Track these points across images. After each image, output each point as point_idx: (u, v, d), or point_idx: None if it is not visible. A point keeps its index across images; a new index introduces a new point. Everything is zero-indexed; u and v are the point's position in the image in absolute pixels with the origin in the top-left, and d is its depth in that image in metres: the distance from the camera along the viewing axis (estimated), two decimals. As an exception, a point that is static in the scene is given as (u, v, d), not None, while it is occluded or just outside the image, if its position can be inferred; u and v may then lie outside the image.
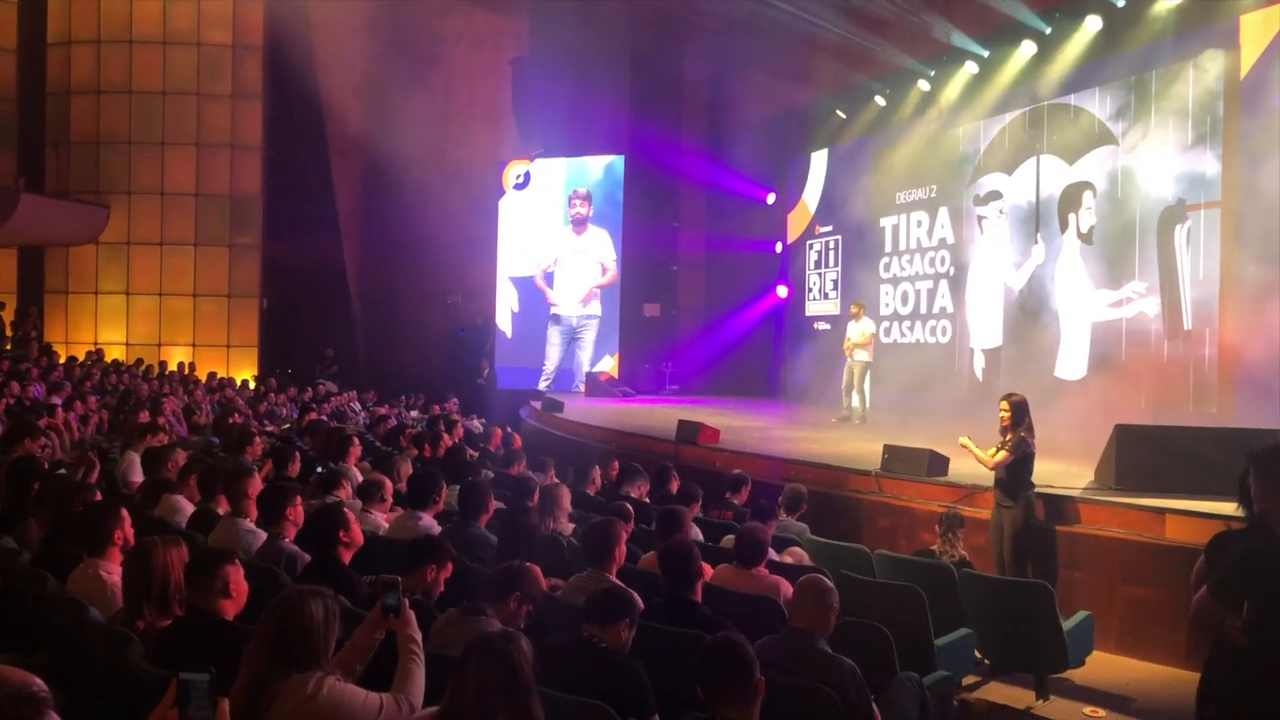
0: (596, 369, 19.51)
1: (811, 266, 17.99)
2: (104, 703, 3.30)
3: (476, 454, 10.09)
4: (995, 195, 13.78)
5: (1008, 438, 6.71)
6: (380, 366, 21.93)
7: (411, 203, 19.77)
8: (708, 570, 4.63)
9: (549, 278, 20.59)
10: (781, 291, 18.82)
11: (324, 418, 13.29)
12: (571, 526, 6.03)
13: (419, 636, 3.04)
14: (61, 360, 18.96)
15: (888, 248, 15.85)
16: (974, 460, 6.88)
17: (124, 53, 21.99)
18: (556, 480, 7.54)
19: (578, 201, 20.29)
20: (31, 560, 4.36)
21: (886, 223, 15.87)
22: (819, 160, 17.79)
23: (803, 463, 9.14)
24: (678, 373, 19.60)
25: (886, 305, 15.69)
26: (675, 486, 7.57)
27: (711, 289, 20.47)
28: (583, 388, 19.11)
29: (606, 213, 20.20)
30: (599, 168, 20.39)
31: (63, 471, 6.29)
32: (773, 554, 5.39)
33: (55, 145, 22.30)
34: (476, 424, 14.67)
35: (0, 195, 19.98)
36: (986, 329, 13.79)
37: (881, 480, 8.21)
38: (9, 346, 20.06)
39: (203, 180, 22.14)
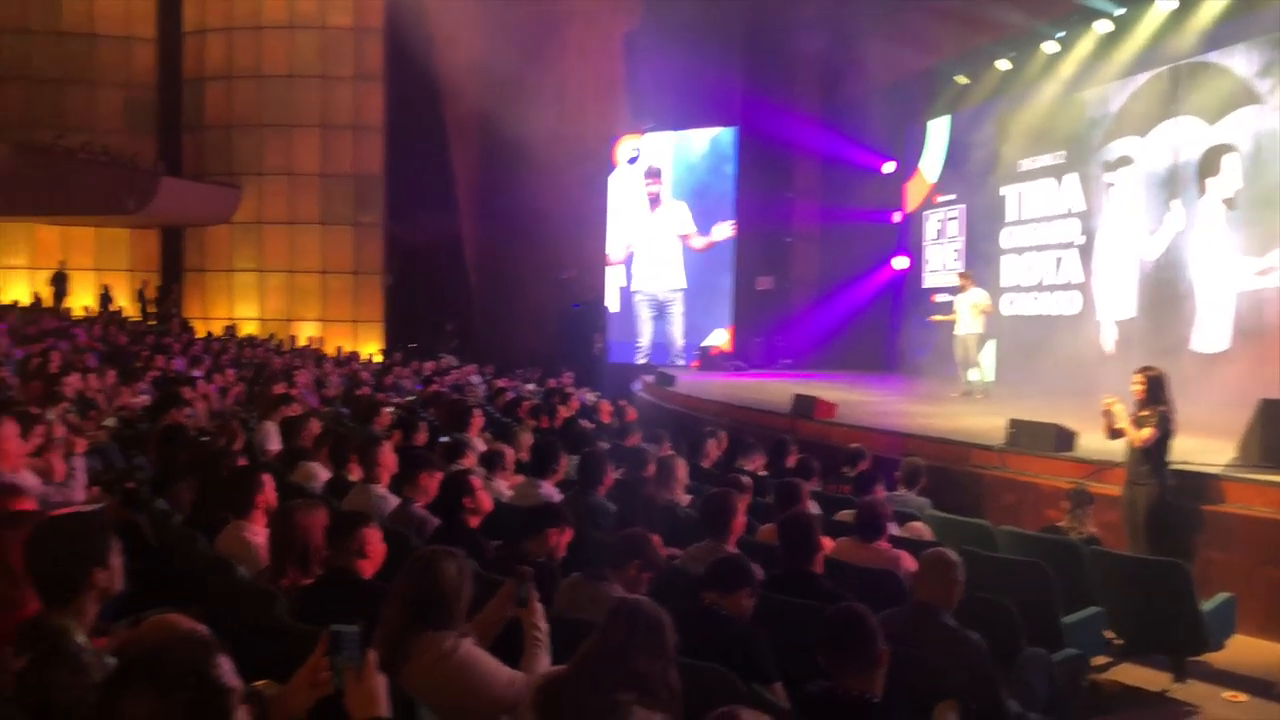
0: (708, 343, 19.55)
1: (931, 237, 17.55)
2: (251, 655, 3.49)
3: (592, 426, 10.23)
4: (1126, 160, 13.17)
5: (1144, 413, 6.44)
6: (497, 341, 22.38)
7: (527, 180, 20.04)
8: (827, 543, 4.60)
9: (631, 256, 21.02)
10: (899, 263, 18.43)
11: (445, 390, 13.67)
12: (688, 498, 6.07)
13: (545, 627, 3.10)
14: (200, 335, 19.98)
15: (1010, 216, 15.32)
16: (1106, 433, 6.63)
17: (253, 39, 22.88)
18: (672, 452, 7.59)
19: (650, 180, 20.59)
20: (183, 522, 4.63)
21: (1009, 191, 15.35)
22: (938, 127, 17.30)
23: (922, 437, 8.97)
24: (791, 346, 19.41)
25: (1009, 276, 15.20)
26: (793, 460, 7.53)
27: (826, 261, 20.17)
28: (680, 361, 19.31)
29: (712, 185, 20.22)
30: (706, 140, 20.39)
31: (206, 439, 6.65)
32: (893, 528, 5.33)
33: (191, 130, 23.40)
34: (590, 397, 14.87)
35: (142, 178, 21.15)
36: (1118, 299, 13.22)
37: (1005, 455, 7.99)
38: (153, 322, 21.24)
39: (328, 161, 22.94)
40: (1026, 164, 14.95)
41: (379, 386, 14.56)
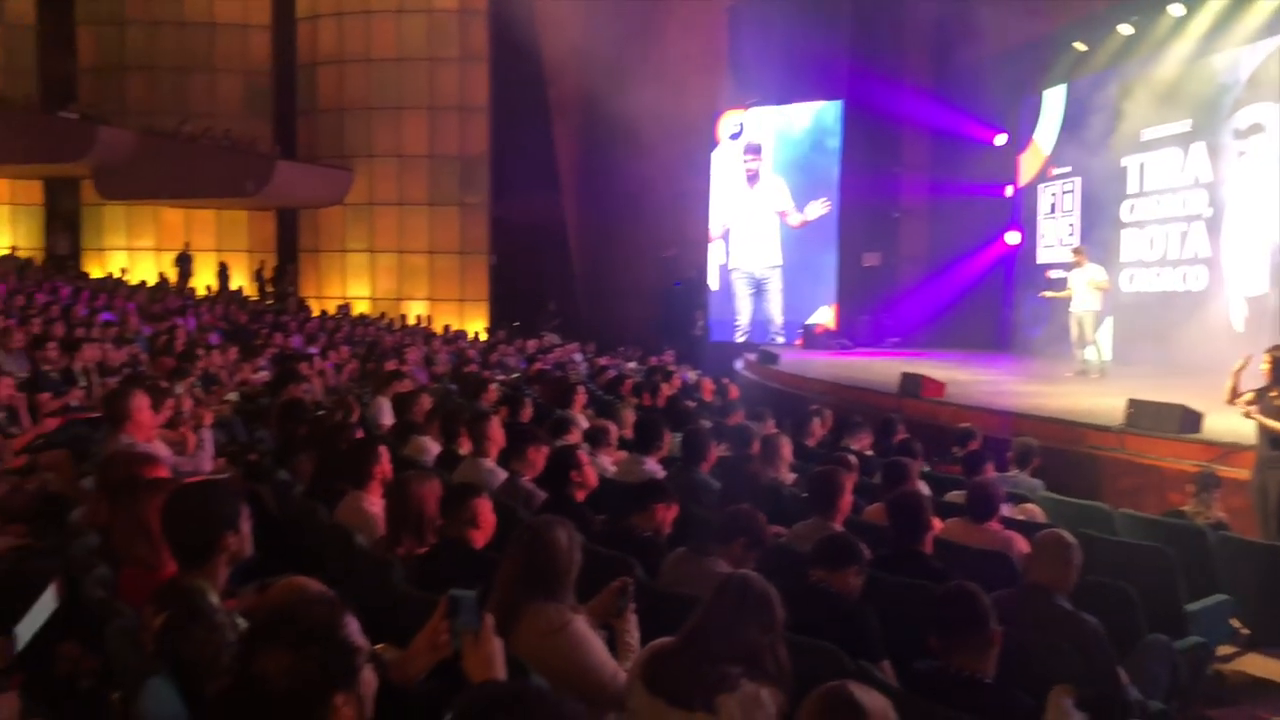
0: (811, 321, 19.33)
1: (1045, 211, 16.96)
2: (369, 620, 3.62)
3: (694, 404, 10.24)
4: (1258, 128, 12.46)
5: (1274, 393, 6.13)
6: (599, 319, 22.53)
7: (629, 158, 20.05)
8: (936, 524, 4.53)
9: (728, 233, 20.93)
10: (1012, 238, 17.87)
11: (548, 368, 13.86)
12: (793, 476, 6.04)
13: (636, 638, 3.08)
14: (315, 314, 20.67)
15: (1132, 189, 14.69)
16: (1233, 415, 6.34)
17: (362, 23, 23.41)
18: (776, 430, 7.55)
19: (749, 156, 20.41)
20: (304, 492, 4.81)
21: (1130, 162, 14.70)
22: (1054, 97, 16.67)
23: (1034, 417, 8.71)
24: (899, 324, 19.04)
25: (1129, 251, 14.58)
26: (900, 439, 7.40)
27: (935, 236, 19.67)
28: (780, 339, 19.17)
29: (816, 161, 19.93)
30: (808, 115, 20.10)
31: (323, 414, 6.90)
32: (1005, 510, 5.20)
33: (305, 114, 24.13)
34: (691, 375, 14.86)
35: (260, 162, 21.92)
36: (1249, 275, 12.56)
37: (1124, 436, 7.70)
38: (270, 301, 22.06)
39: (435, 142, 23.37)
40: (1149, 133, 14.29)
41: (485, 364, 14.85)
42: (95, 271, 22.32)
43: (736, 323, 20.72)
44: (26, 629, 2.98)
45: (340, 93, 23.69)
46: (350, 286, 24.08)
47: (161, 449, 4.97)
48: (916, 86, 18.75)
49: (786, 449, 6.06)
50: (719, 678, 2.44)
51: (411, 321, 21.54)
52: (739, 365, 16.59)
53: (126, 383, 6.77)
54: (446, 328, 20.88)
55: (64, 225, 24.24)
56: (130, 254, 23.77)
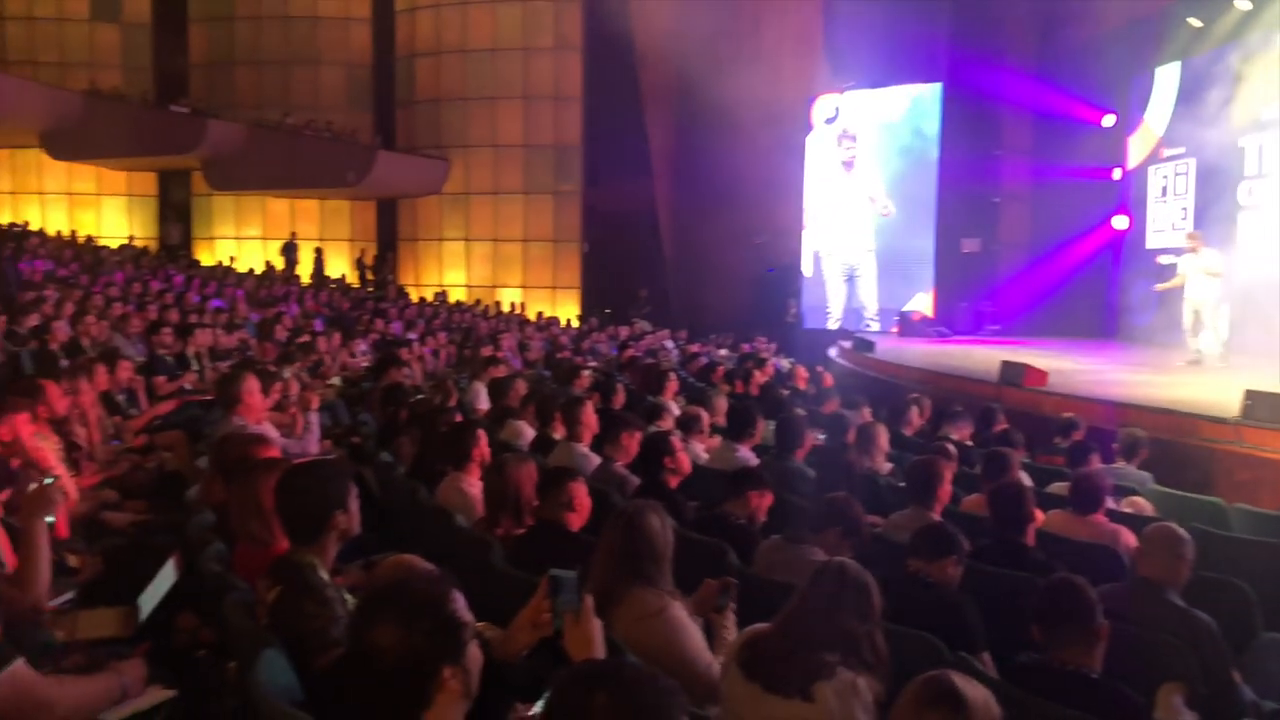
0: (908, 308, 18.99)
1: (1155, 194, 16.31)
2: (469, 598, 3.71)
3: (788, 391, 10.16)
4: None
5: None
6: (691, 306, 22.52)
7: (722, 144, 19.97)
8: (1038, 515, 4.42)
9: (821, 219, 20.81)
10: (1120, 222, 17.23)
11: (639, 355, 13.92)
12: (889, 466, 5.96)
13: (734, 634, 3.06)
14: (413, 301, 21.14)
15: (1250, 170, 14.01)
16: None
17: (459, 14, 23.77)
18: (872, 419, 7.45)
19: (846, 142, 20.13)
20: (405, 473, 4.94)
21: (1249, 142, 14.02)
22: (1167, 76, 15.99)
23: (1143, 407, 8.39)
24: (999, 312, 18.56)
25: (1248, 236, 13.93)
26: (1000, 429, 7.23)
27: (1038, 221, 19.10)
28: (874, 326, 18.89)
29: (913, 146, 19.57)
30: (906, 99, 19.71)
31: (423, 398, 7.06)
32: (1111, 502, 5.04)
33: (404, 105, 24.64)
34: (784, 363, 14.75)
35: (361, 153, 22.48)
36: (1376, 260, 11.89)
37: (1241, 429, 7.38)
38: (371, 289, 22.64)
39: (529, 131, 23.62)
40: (1269, 112, 13.61)
41: (577, 350, 14.99)
42: (205, 259, 23.22)
43: (829, 310, 20.51)
44: (149, 600, 3.12)
45: (437, 83, 24.12)
46: (446, 274, 24.55)
47: (271, 431, 5.15)
48: (1019, 67, 18.20)
49: (883, 438, 5.98)
50: (816, 665, 2.43)
51: (505, 308, 21.87)
52: (833, 353, 16.38)
53: (238, 367, 7.05)
54: (540, 314, 21.13)
55: (176, 215, 25.29)
56: (238, 243, 24.65)
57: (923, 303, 19.21)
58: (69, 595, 3.33)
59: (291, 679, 2.34)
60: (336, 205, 25.01)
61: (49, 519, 2.99)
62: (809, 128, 20.86)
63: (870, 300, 20.11)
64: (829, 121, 20.66)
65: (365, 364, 10.65)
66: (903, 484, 4.96)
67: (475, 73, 23.69)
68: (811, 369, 12.49)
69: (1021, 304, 18.33)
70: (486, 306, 21.38)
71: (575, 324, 20.81)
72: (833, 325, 19.91)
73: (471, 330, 15.71)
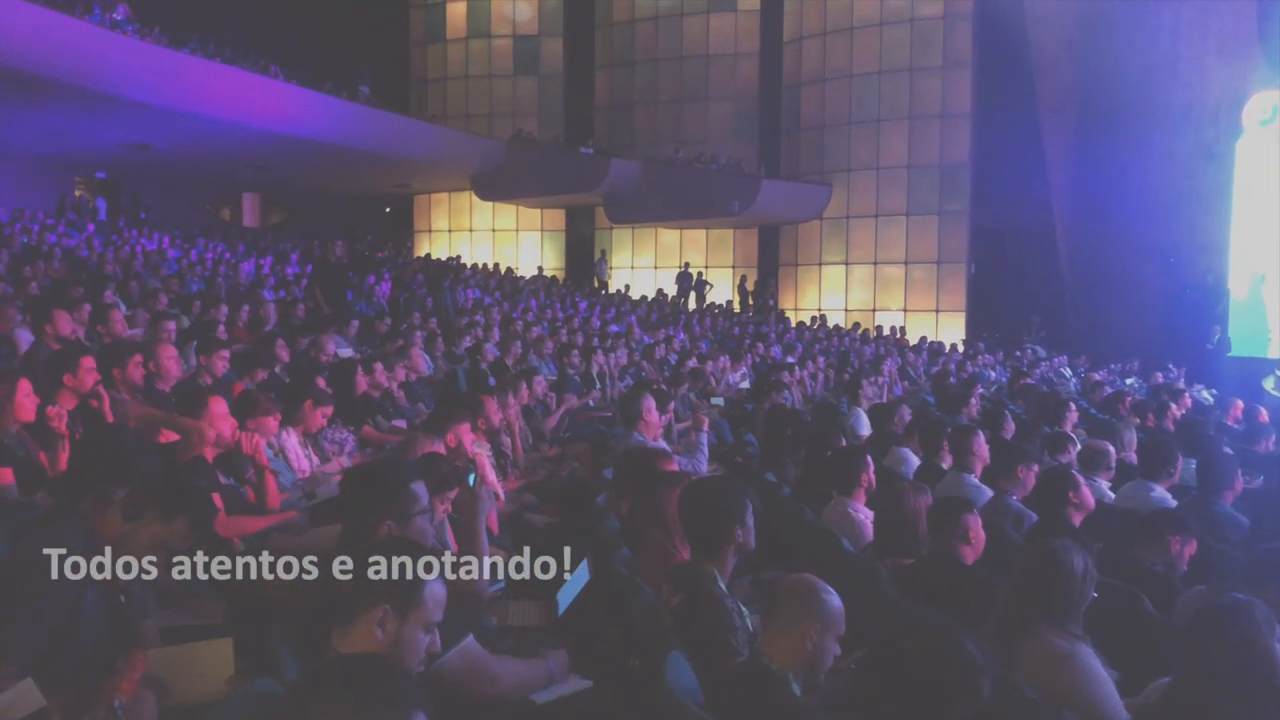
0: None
1: None
2: (854, 623, 3.69)
3: (1211, 427, 9.06)
4: None
5: None
6: (1091, 330, 20.82)
7: (1128, 153, 18.37)
8: None
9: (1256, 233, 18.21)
10: None
11: (1034, 382, 13.07)
12: (1343, 516, 5.12)
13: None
14: (793, 325, 21.46)
15: None
16: None
17: (845, 40, 23.88)
18: (1320, 462, 6.45)
19: None
20: (790, 494, 5.03)
21: None
22: None
23: None
24: None
25: None
26: None
27: None
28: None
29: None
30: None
31: (807, 421, 7.13)
32: None
33: (787, 133, 25.18)
34: (1205, 394, 13.16)
35: (747, 182, 23.27)
36: None
37: None
38: (752, 313, 23.31)
39: (914, 152, 23.15)
40: None
41: (962, 376, 14.37)
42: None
43: (1270, 336, 17.93)
44: (565, 596, 3.44)
45: (822, 110, 24.38)
46: (825, 298, 24.65)
47: (664, 446, 5.47)
48: None
49: (1335, 485, 5.17)
50: None
51: (885, 332, 21.52)
52: (1269, 384, 14.37)
53: (637, 387, 7.56)
54: (923, 338, 20.56)
55: (580, 248, 27.76)
56: (632, 271, 26.47)
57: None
58: (500, 585, 3.75)
59: (693, 682, 2.48)
60: (721, 234, 26.08)
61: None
62: (1239, 131, 18.51)
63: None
64: (1265, 123, 18.20)
65: (745, 385, 10.95)
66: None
67: (860, 96, 23.67)
68: (1246, 403, 11.05)
69: None
70: (866, 330, 21.17)
71: (960, 348, 20.01)
72: (1276, 353, 17.37)
73: (849, 354, 15.63)
